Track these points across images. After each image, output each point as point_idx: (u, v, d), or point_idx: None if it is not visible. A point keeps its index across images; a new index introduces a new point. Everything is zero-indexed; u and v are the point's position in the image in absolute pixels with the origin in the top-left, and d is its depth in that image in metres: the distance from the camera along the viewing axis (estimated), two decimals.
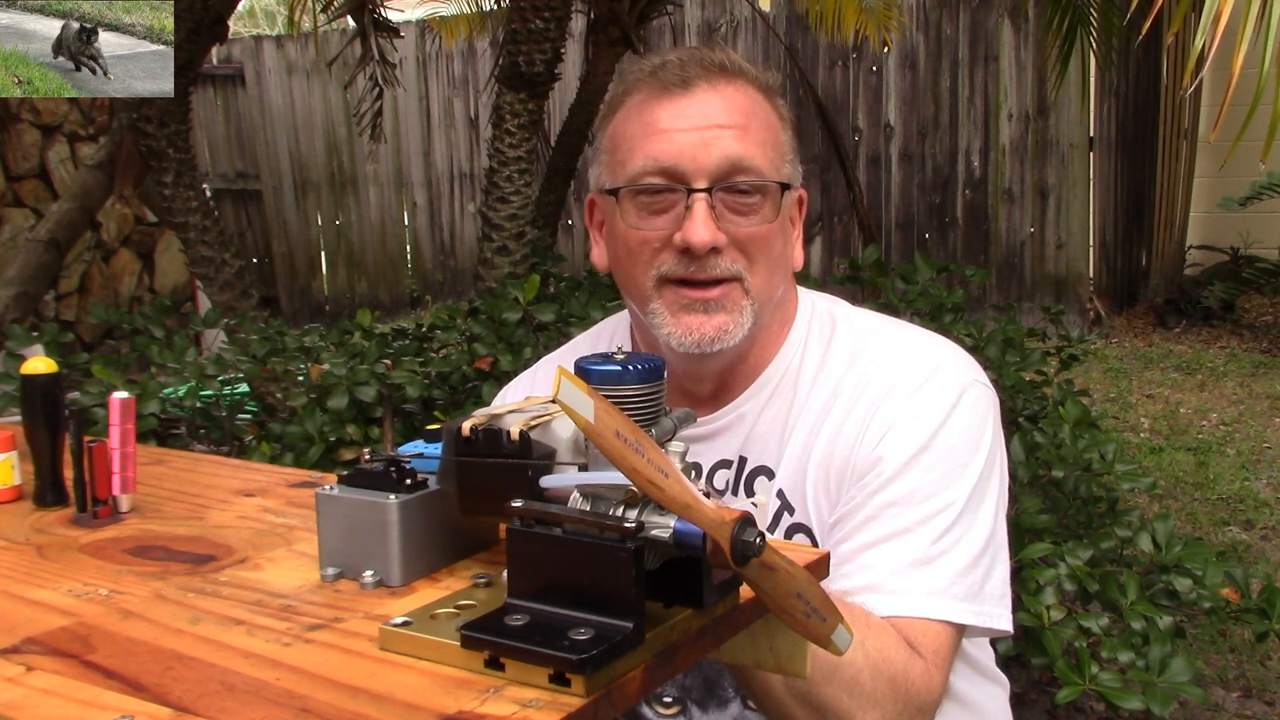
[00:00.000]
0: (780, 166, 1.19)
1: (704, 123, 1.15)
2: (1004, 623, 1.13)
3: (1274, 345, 6.35)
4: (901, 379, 1.17)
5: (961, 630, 1.11)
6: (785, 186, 1.18)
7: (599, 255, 1.27)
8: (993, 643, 1.39)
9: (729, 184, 1.14)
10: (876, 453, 1.13)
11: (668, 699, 1.21)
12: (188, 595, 0.82)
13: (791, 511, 1.19)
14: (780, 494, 1.19)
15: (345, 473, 0.85)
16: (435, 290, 8.76)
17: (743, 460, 1.23)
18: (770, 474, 1.21)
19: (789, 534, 1.18)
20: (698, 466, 1.23)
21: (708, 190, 1.13)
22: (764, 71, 1.23)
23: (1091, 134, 6.68)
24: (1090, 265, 6.83)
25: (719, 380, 1.24)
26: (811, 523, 1.17)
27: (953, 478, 1.13)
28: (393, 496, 0.81)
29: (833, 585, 1.08)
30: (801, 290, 1.31)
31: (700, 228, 1.12)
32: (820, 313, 1.28)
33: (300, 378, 2.70)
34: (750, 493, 1.22)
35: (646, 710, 1.22)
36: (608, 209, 1.22)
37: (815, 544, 1.16)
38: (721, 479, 1.23)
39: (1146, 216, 7.06)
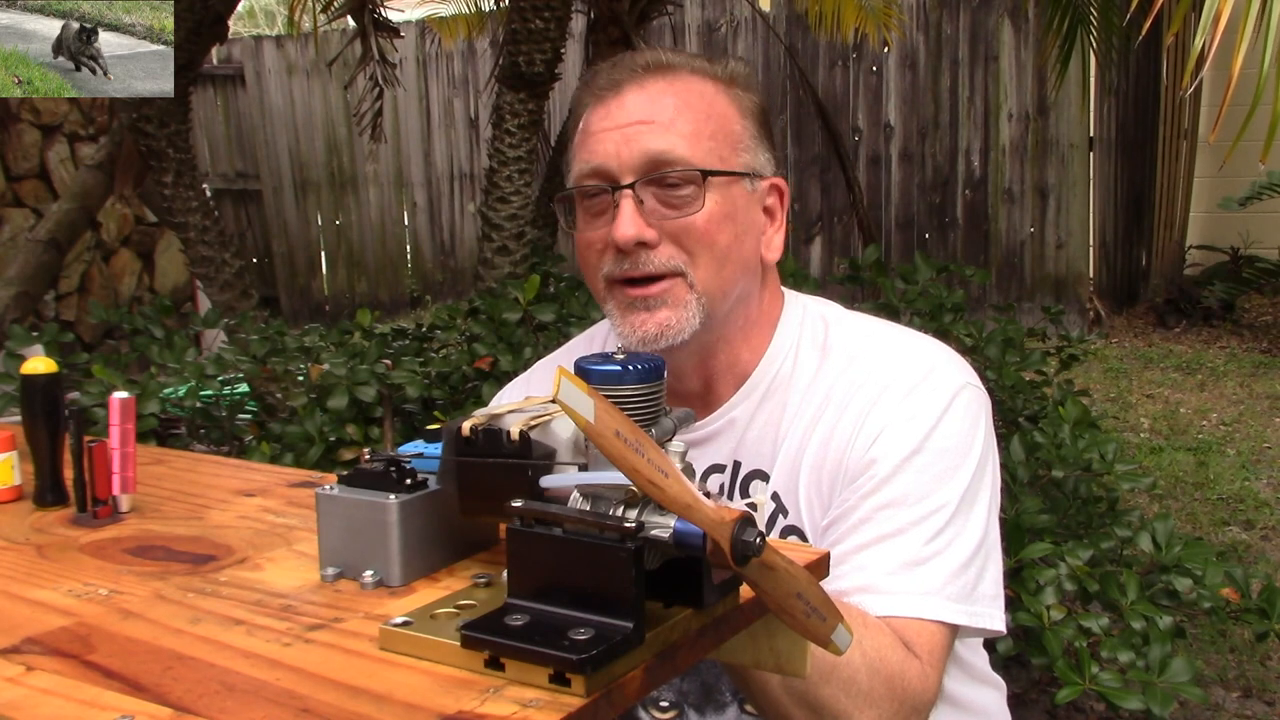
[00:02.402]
0: (726, 156, 1.17)
1: (625, 120, 1.15)
2: (997, 623, 1.13)
3: (1274, 345, 6.35)
4: (894, 382, 1.17)
5: (955, 631, 1.11)
6: (710, 173, 1.15)
7: None
8: (990, 645, 1.39)
9: (652, 177, 1.14)
10: (869, 455, 1.14)
11: (665, 703, 1.21)
12: (188, 595, 0.82)
13: (785, 514, 1.19)
14: (775, 496, 1.20)
15: (345, 473, 0.85)
16: (435, 290, 8.76)
17: (737, 465, 1.23)
18: (765, 477, 1.21)
19: (782, 536, 1.18)
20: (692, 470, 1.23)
21: (630, 186, 1.14)
22: (721, 63, 1.22)
23: (1091, 134, 6.67)
24: (1090, 265, 6.83)
25: (702, 379, 1.24)
26: (804, 525, 1.18)
27: (945, 479, 1.13)
28: (393, 496, 0.81)
29: (827, 586, 1.08)
30: (791, 293, 1.30)
31: (625, 224, 1.13)
32: (812, 315, 1.28)
33: (300, 378, 2.70)
34: (746, 496, 1.22)
35: (643, 714, 1.22)
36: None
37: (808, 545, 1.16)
38: (715, 483, 1.23)
39: (1146, 216, 7.06)
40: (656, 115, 1.15)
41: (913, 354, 1.22)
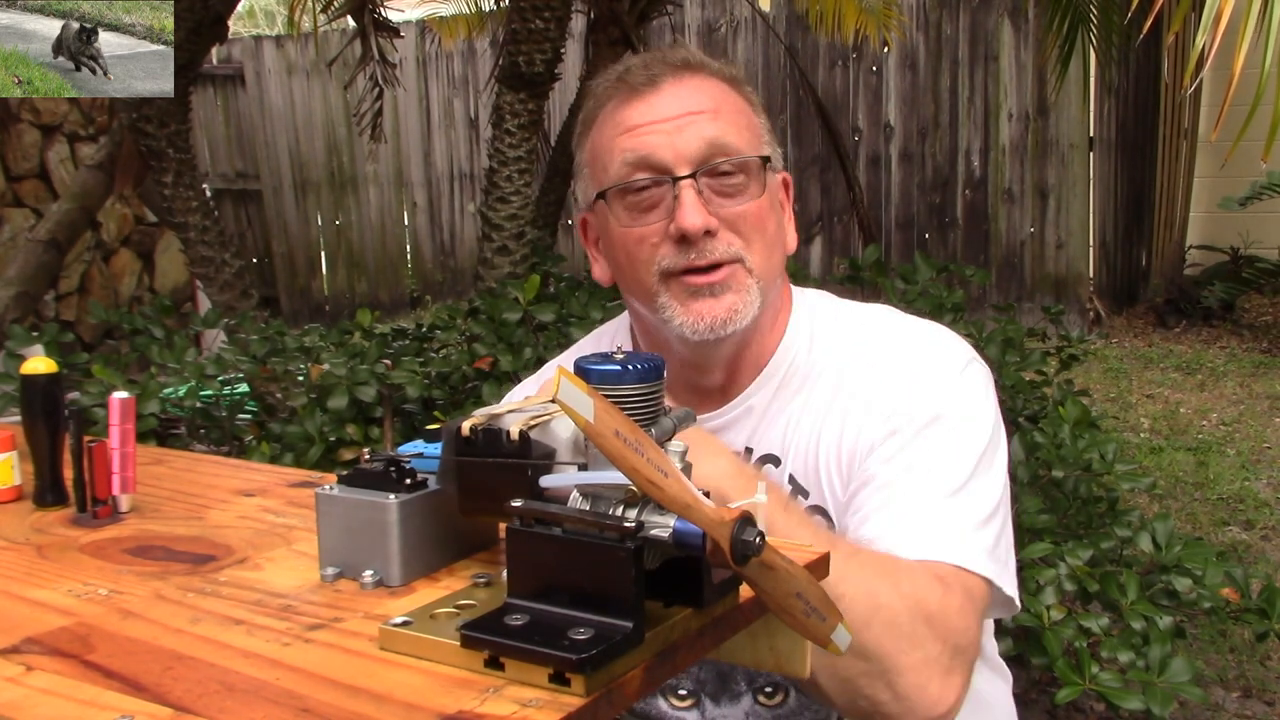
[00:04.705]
0: (758, 145, 1.21)
1: (676, 112, 1.17)
2: (1011, 589, 1.13)
3: (1274, 345, 6.35)
4: (906, 356, 1.21)
5: (985, 585, 1.11)
6: (766, 159, 1.20)
7: (600, 271, 1.28)
8: (995, 636, 1.40)
9: (711, 166, 1.16)
10: (889, 426, 1.16)
11: (683, 691, 1.22)
12: (188, 595, 0.82)
13: (806, 495, 1.20)
14: (792, 479, 1.21)
15: (345, 473, 0.85)
16: (435, 290, 8.76)
17: (749, 451, 1.24)
18: (776, 461, 1.22)
19: None
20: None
21: (692, 176, 1.15)
22: (726, 65, 1.25)
23: (1091, 134, 6.67)
24: (1090, 265, 6.83)
25: (728, 370, 1.25)
26: (827, 503, 1.19)
27: (963, 443, 1.15)
28: (393, 496, 0.81)
29: (855, 536, 1.10)
30: (793, 286, 1.33)
31: (692, 213, 1.14)
32: (821, 304, 1.31)
33: (300, 378, 2.70)
34: None
35: (662, 702, 1.23)
36: (600, 218, 1.23)
37: (832, 524, 1.18)
38: None
39: (1146, 216, 7.06)
40: (703, 106, 1.18)
41: (920, 332, 1.26)
